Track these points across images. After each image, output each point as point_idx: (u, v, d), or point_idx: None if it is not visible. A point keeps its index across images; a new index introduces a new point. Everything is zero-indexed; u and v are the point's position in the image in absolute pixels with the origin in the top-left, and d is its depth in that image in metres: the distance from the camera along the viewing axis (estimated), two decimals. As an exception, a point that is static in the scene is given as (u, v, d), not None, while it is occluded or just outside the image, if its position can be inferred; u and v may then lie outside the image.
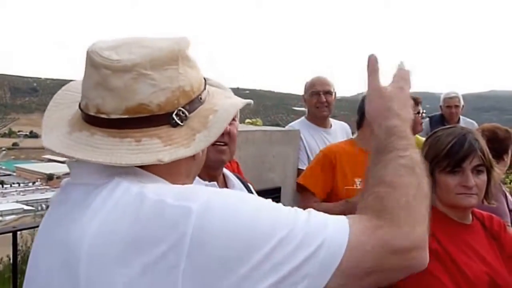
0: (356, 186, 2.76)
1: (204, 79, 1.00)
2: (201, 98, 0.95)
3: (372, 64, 1.13)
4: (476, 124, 5.43)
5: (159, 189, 0.83)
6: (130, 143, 0.87)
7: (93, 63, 0.88)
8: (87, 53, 0.90)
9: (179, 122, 0.89)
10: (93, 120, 0.89)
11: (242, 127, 3.92)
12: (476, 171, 1.86)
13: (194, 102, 0.93)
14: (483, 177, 1.88)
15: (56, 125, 0.94)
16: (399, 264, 0.91)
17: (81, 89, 0.94)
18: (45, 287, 0.88)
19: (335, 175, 2.81)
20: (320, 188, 2.86)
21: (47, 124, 0.96)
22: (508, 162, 3.29)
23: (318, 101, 3.80)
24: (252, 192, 2.08)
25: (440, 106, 5.36)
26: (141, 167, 0.88)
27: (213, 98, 0.99)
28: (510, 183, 7.96)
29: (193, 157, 0.94)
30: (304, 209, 0.91)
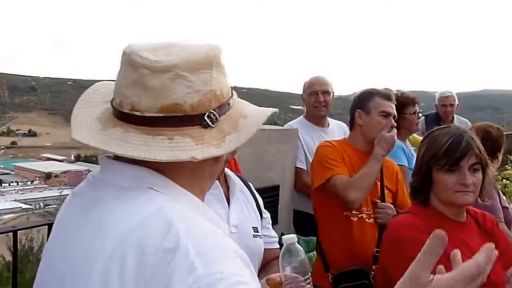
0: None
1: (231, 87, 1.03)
2: (229, 104, 0.98)
3: (433, 245, 0.80)
4: (469, 123, 5.45)
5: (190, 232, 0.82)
6: (163, 141, 0.89)
7: (132, 62, 0.91)
8: (124, 53, 0.93)
9: (210, 123, 0.92)
10: (127, 117, 0.91)
11: None
12: (473, 169, 1.89)
13: (223, 106, 0.96)
14: (479, 175, 1.91)
15: (85, 122, 0.96)
16: None
17: (109, 90, 0.98)
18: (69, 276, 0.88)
19: (342, 157, 2.80)
20: (340, 165, 2.73)
21: (76, 119, 0.96)
22: (500, 159, 3.33)
23: (317, 101, 3.81)
24: (252, 191, 2.09)
25: (436, 105, 5.38)
26: (167, 171, 0.91)
27: (240, 105, 1.02)
28: (501, 180, 8.02)
29: (217, 159, 0.97)
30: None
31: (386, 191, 2.78)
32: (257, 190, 2.14)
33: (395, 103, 2.89)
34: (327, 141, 2.94)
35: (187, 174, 0.94)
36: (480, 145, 1.93)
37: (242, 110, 1.00)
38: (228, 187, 1.93)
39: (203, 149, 0.90)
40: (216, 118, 0.93)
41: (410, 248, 1.81)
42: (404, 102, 3.70)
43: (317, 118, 3.89)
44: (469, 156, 1.88)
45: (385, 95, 2.83)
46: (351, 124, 2.88)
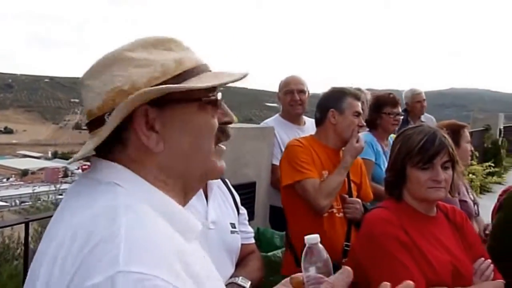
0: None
1: (196, 68, 1.00)
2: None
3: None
4: (434, 120, 5.54)
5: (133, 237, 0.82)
6: (89, 142, 0.98)
7: None
8: None
9: (107, 119, 0.94)
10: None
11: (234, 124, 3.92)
12: (444, 166, 1.94)
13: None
14: (450, 172, 1.95)
15: None
16: None
17: None
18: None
19: (311, 156, 2.82)
20: (315, 171, 2.78)
21: None
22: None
23: (292, 99, 3.83)
24: (229, 188, 2.09)
25: (407, 103, 5.43)
26: (137, 168, 0.95)
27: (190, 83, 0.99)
28: (468, 175, 8.21)
29: (148, 150, 0.94)
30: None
31: (352, 185, 2.83)
32: (234, 186, 2.14)
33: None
34: (296, 139, 2.95)
35: (154, 171, 0.95)
36: (452, 144, 1.98)
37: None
38: (206, 184, 1.93)
39: (95, 139, 0.94)
40: None
41: (384, 242, 1.85)
42: (383, 101, 3.75)
43: (293, 116, 3.91)
44: (442, 154, 1.92)
45: (356, 95, 2.86)
46: (320, 121, 2.89)
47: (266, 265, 2.86)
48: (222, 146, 1.07)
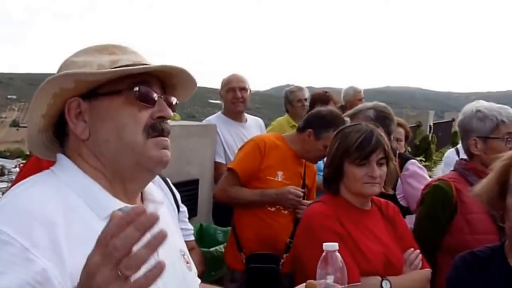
0: (277, 178, 2.85)
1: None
2: None
3: None
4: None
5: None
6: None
7: None
8: None
9: None
10: None
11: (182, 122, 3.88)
12: (380, 163, 2.01)
13: None
14: (385, 168, 2.03)
15: None
16: None
17: None
18: None
19: (263, 162, 2.86)
20: (244, 170, 2.87)
21: None
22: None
23: (234, 97, 3.86)
24: (169, 186, 2.08)
25: (348, 100, 5.51)
26: (74, 157, 1.08)
27: None
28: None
29: (77, 137, 1.06)
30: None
31: (306, 189, 2.92)
32: (177, 184, 2.13)
33: None
34: (263, 137, 3.04)
35: (89, 159, 1.07)
36: (387, 141, 2.06)
37: None
38: None
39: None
40: None
41: (320, 234, 1.90)
42: (316, 99, 3.85)
43: (235, 113, 3.93)
44: (378, 152, 2.00)
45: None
46: (301, 130, 2.92)
47: (209, 260, 2.87)
48: (164, 138, 1.10)
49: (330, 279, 1.24)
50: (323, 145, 2.82)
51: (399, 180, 2.83)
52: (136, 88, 1.05)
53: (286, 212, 2.79)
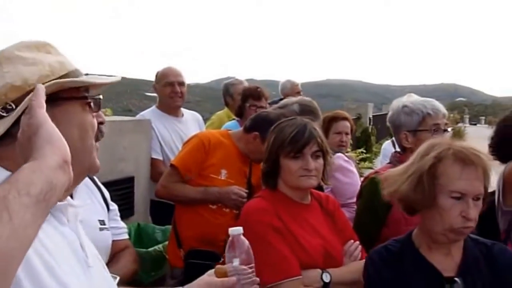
0: (221, 177, 2.85)
1: (77, 71, 1.12)
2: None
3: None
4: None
5: None
6: None
7: None
8: None
9: (4, 113, 0.99)
10: None
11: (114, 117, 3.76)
12: (315, 156, 2.06)
13: (28, 94, 1.01)
14: (320, 161, 2.08)
15: None
16: None
17: None
18: None
19: (206, 159, 2.85)
20: (186, 167, 2.85)
21: None
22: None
23: (172, 91, 3.79)
24: (97, 184, 2.03)
25: (286, 93, 5.58)
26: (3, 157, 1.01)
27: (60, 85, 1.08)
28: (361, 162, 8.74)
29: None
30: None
31: (252, 189, 2.94)
32: (110, 183, 2.08)
33: None
34: (212, 133, 3.03)
35: (16, 160, 1.01)
36: (322, 134, 2.12)
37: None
38: None
39: None
40: (12, 108, 1.00)
41: (258, 229, 1.93)
42: (248, 94, 3.87)
43: (172, 108, 3.86)
44: (312, 144, 2.04)
45: None
46: (247, 130, 2.91)
47: (147, 261, 2.83)
48: (97, 144, 1.15)
49: (236, 262, 1.31)
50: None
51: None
52: (86, 94, 1.10)
53: (227, 210, 2.80)
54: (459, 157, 1.58)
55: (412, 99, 2.58)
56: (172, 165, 2.88)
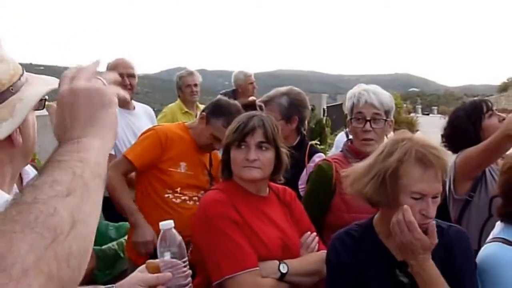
0: (180, 170, 2.87)
1: (23, 69, 1.11)
2: (12, 89, 1.05)
3: None
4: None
5: None
6: None
7: None
8: None
9: None
10: None
11: (41, 111, 3.64)
12: (261, 147, 2.07)
13: (4, 94, 1.02)
14: (268, 154, 2.09)
15: None
16: None
17: None
18: None
19: (164, 154, 2.85)
20: (141, 162, 2.87)
21: None
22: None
23: (121, 84, 3.73)
24: None
25: (239, 84, 5.61)
26: None
27: (30, 87, 1.10)
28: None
29: (12, 144, 1.07)
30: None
31: (211, 179, 2.97)
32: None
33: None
34: (168, 127, 3.03)
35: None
36: (271, 126, 2.11)
37: (23, 93, 1.07)
38: (22, 179, 1.83)
39: None
40: None
41: (216, 222, 1.97)
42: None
43: (121, 101, 3.82)
44: (255, 135, 2.06)
45: (229, 124, 2.93)
46: (208, 119, 2.95)
47: (101, 259, 2.82)
48: None
49: (167, 256, 1.32)
50: (210, 132, 2.89)
51: (305, 170, 2.98)
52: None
53: (191, 203, 2.82)
54: (421, 159, 1.66)
55: (358, 86, 2.62)
56: (125, 157, 2.88)
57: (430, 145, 1.72)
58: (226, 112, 2.87)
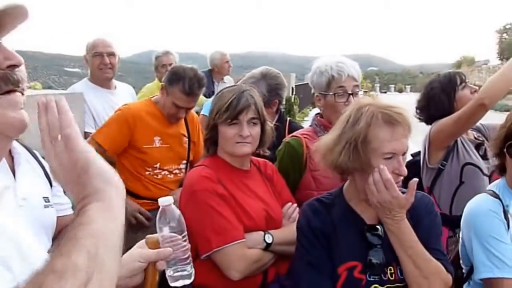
0: (155, 145, 2.80)
1: None
2: None
3: None
4: (231, 79, 5.77)
5: None
6: None
7: None
8: None
9: None
10: None
11: (28, 92, 3.52)
12: (252, 123, 2.05)
13: None
14: (257, 128, 2.08)
15: None
16: None
17: None
18: None
19: (134, 134, 2.78)
20: (111, 145, 2.79)
21: None
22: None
23: (102, 63, 3.63)
24: (38, 159, 1.94)
25: (215, 64, 5.53)
26: None
27: None
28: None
29: None
30: None
31: (192, 146, 2.90)
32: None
33: (197, 98, 2.94)
34: (127, 106, 2.95)
35: None
36: (260, 102, 2.10)
37: None
38: (12, 158, 1.75)
39: None
40: None
41: (203, 197, 1.93)
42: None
43: (102, 80, 3.71)
44: (248, 111, 2.03)
45: (188, 89, 2.82)
46: (167, 89, 2.88)
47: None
48: (18, 94, 0.99)
49: (166, 231, 1.30)
50: (172, 101, 2.83)
51: None
52: None
53: (172, 176, 2.77)
54: (387, 120, 1.66)
55: (325, 60, 2.44)
56: (95, 140, 2.79)
57: (391, 105, 1.73)
58: (181, 78, 2.81)
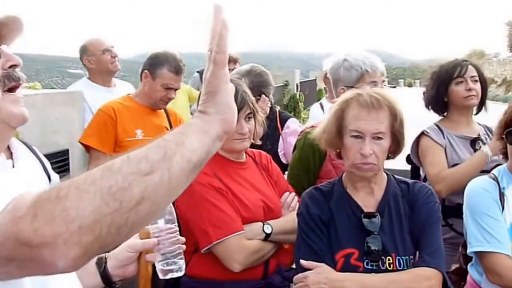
0: (137, 137, 2.85)
1: None
2: None
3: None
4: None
5: None
6: None
7: None
8: None
9: None
10: None
11: (26, 91, 3.60)
12: (247, 118, 2.10)
13: None
14: (252, 121, 2.12)
15: None
16: (28, 257, 0.73)
17: None
18: None
19: (116, 129, 2.83)
20: (104, 145, 2.84)
21: None
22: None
23: (112, 56, 3.72)
24: (37, 154, 1.98)
25: None
26: None
27: None
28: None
29: None
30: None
31: None
32: (45, 156, 2.02)
33: (182, 76, 3.00)
34: (108, 104, 2.98)
35: None
36: (251, 96, 2.13)
37: None
38: (11, 153, 1.79)
39: None
40: None
41: (201, 191, 1.97)
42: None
43: (110, 74, 3.78)
44: (245, 109, 2.07)
45: (175, 68, 2.89)
46: (140, 79, 2.92)
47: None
48: (18, 92, 1.09)
49: (160, 222, 1.35)
50: (160, 84, 2.87)
51: (280, 137, 2.95)
52: None
53: None
54: (361, 102, 1.77)
55: (354, 54, 2.47)
56: (96, 150, 2.87)
57: (377, 91, 1.82)
58: (166, 59, 2.88)
